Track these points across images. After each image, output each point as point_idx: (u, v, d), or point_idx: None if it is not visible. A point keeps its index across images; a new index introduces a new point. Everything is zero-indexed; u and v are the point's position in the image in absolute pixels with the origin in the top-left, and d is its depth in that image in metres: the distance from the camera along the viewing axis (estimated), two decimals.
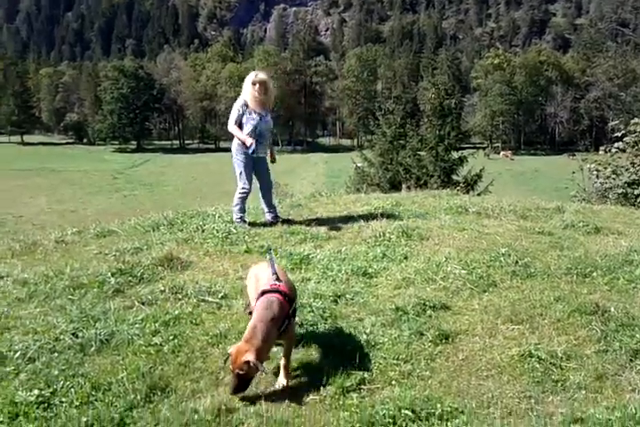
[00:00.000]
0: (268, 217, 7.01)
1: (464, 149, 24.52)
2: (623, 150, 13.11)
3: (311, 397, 3.21)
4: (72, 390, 3.20)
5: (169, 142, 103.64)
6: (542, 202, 8.71)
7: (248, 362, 3.05)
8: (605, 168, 13.42)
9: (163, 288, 4.71)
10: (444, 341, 3.90)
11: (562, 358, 3.64)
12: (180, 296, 4.58)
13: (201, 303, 4.47)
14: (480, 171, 20.83)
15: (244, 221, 6.88)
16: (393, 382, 3.37)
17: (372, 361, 3.61)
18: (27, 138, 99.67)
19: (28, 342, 3.76)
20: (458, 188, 11.19)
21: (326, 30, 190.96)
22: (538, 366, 3.55)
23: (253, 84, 6.62)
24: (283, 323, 3.32)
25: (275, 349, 3.63)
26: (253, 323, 3.25)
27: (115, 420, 2.93)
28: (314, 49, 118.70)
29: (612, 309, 4.25)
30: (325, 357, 3.69)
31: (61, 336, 3.86)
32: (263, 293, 3.45)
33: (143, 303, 4.46)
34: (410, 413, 2.93)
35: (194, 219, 7.27)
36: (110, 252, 5.78)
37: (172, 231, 6.71)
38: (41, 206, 41.43)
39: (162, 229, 6.78)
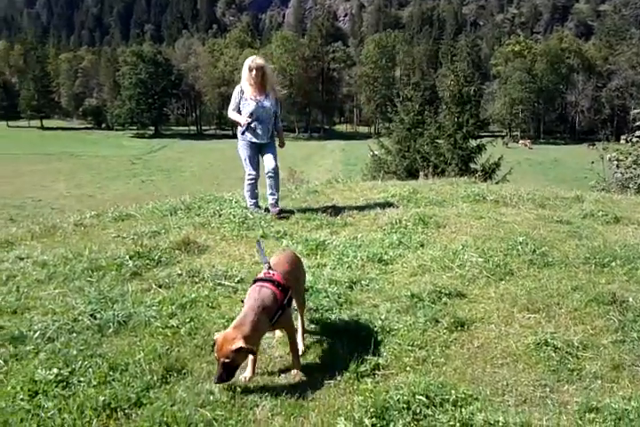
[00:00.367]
0: (271, 201, 6.82)
1: (482, 137, 24.24)
2: None
3: (326, 381, 3.22)
4: (90, 369, 3.25)
5: (186, 128, 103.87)
6: (561, 191, 8.61)
7: (239, 349, 2.95)
8: (626, 158, 13.24)
9: (180, 272, 4.75)
10: (459, 328, 3.89)
11: (578, 347, 3.61)
12: (197, 280, 4.61)
13: (217, 287, 4.50)
14: (498, 159, 20.64)
15: (258, 207, 6.89)
16: (407, 369, 3.37)
17: (387, 347, 3.62)
18: (46, 122, 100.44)
19: (48, 323, 3.82)
20: (476, 175, 11.09)
21: (345, 16, 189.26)
22: (554, 354, 3.53)
23: (250, 69, 6.56)
24: (276, 313, 3.22)
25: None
26: (244, 311, 3.16)
27: (131, 400, 2.97)
28: (332, 35, 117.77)
29: (631, 299, 4.21)
30: (340, 342, 3.69)
31: (80, 317, 3.91)
32: (255, 281, 3.38)
33: (160, 286, 4.51)
34: (424, 398, 2.93)
35: (211, 204, 7.31)
36: (128, 235, 5.84)
37: (189, 216, 6.75)
38: (60, 191, 41.88)
39: (179, 214, 6.83)
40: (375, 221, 6.52)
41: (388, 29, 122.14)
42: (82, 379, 3.16)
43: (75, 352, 3.44)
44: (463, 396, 3.01)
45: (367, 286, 4.65)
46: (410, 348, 3.61)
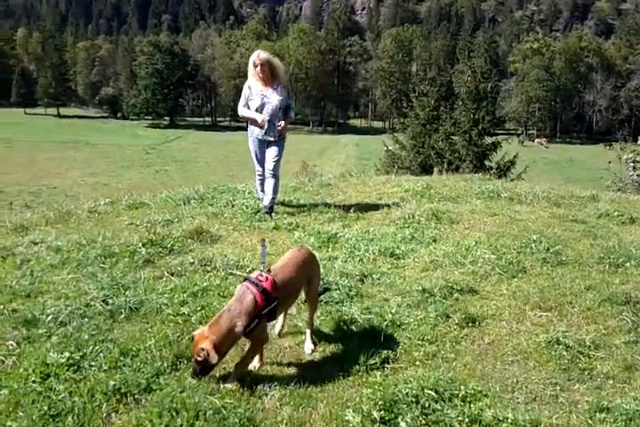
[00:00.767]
0: (265, 202, 6.49)
1: (498, 134, 24.08)
2: None
3: (335, 373, 3.22)
4: (101, 354, 3.27)
5: (201, 119, 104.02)
6: (577, 190, 8.54)
7: (203, 349, 2.93)
8: None
9: (192, 260, 4.77)
10: (470, 324, 3.88)
11: (590, 346, 3.59)
12: (209, 269, 4.63)
13: (229, 277, 4.51)
14: (514, 157, 20.49)
15: (268, 207, 6.56)
16: (417, 363, 3.37)
17: (397, 341, 3.61)
18: (62, 110, 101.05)
19: (60, 307, 3.85)
20: (490, 173, 11.01)
21: (362, 9, 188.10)
22: (565, 353, 3.51)
23: (255, 65, 6.30)
24: (252, 321, 3.05)
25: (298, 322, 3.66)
26: (222, 310, 3.08)
27: (142, 385, 2.98)
28: (349, 28, 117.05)
29: None
30: (350, 334, 3.70)
31: (92, 302, 3.94)
32: (245, 280, 3.27)
33: (172, 274, 4.53)
34: (433, 393, 2.92)
35: (224, 194, 7.33)
36: (142, 223, 5.87)
37: (202, 205, 6.78)
38: (74, 179, 42.15)
39: (192, 203, 6.86)
40: (388, 216, 6.50)
41: (406, 24, 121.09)
42: (93, 363, 3.18)
43: (86, 337, 3.47)
44: (472, 392, 3.00)
45: (378, 279, 4.64)
46: (420, 342, 3.60)
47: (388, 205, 6.88)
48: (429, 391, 2.93)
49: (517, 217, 6.59)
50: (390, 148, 23.99)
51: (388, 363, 3.35)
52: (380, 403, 2.86)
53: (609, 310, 4.12)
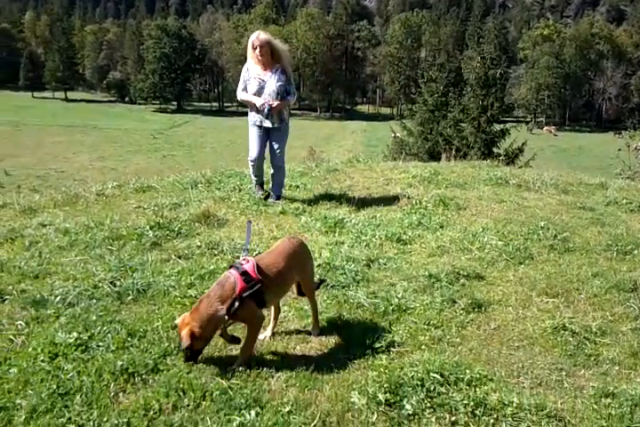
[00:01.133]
0: (272, 195, 6.39)
1: (507, 122, 23.91)
2: None
3: (340, 355, 3.24)
4: (109, 335, 3.29)
5: (208, 104, 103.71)
6: (585, 177, 8.49)
7: (182, 337, 2.93)
8: None
9: (199, 243, 4.78)
10: (476, 309, 3.88)
11: (596, 333, 3.59)
12: (216, 252, 4.64)
13: (236, 260, 4.52)
14: (522, 145, 20.37)
15: (261, 187, 6.49)
16: (423, 347, 3.37)
17: (403, 325, 3.62)
18: (70, 94, 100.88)
19: (68, 288, 3.88)
20: (499, 159, 10.95)
21: None
22: (571, 339, 3.51)
23: (254, 47, 5.93)
24: (232, 303, 3.01)
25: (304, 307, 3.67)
26: (203, 296, 3.08)
27: (149, 366, 3.01)
28: (357, 13, 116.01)
29: None
30: (355, 318, 3.71)
31: (100, 284, 3.97)
32: (229, 266, 3.24)
33: (180, 257, 4.55)
34: (439, 376, 2.93)
35: (231, 178, 7.33)
36: (149, 206, 5.88)
37: (209, 190, 6.78)
38: (82, 163, 42.28)
39: (200, 187, 6.86)
40: (395, 201, 6.49)
41: (415, 9, 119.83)
42: (101, 344, 3.21)
43: (94, 318, 3.49)
44: (478, 376, 3.01)
45: (385, 264, 4.64)
46: (426, 327, 3.61)
47: (396, 191, 6.86)
48: (435, 375, 2.94)
49: (525, 204, 6.57)
50: (398, 134, 23.89)
51: (394, 347, 3.36)
52: (385, 386, 2.87)
53: (616, 297, 4.12)
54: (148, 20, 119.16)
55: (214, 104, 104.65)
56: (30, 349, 3.15)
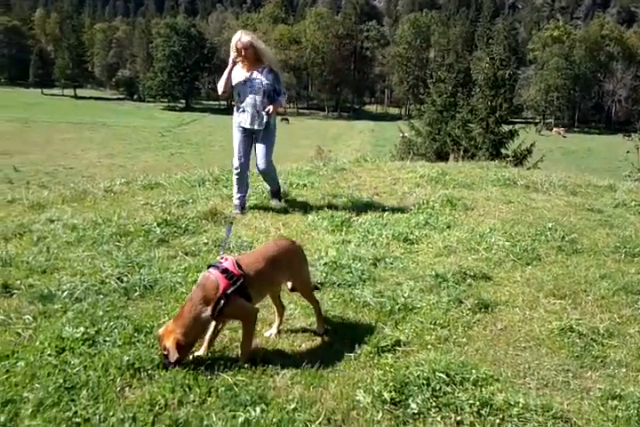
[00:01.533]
0: (272, 191, 6.13)
1: (515, 123, 23.81)
2: None
3: (346, 354, 3.23)
4: (116, 330, 3.31)
5: (216, 103, 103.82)
6: (594, 179, 8.45)
7: (165, 348, 2.89)
8: None
9: (206, 240, 4.80)
10: (482, 310, 3.87)
11: (603, 334, 3.57)
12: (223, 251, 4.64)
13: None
14: (530, 146, 20.27)
15: (242, 207, 5.84)
16: (429, 347, 3.36)
17: (409, 324, 3.61)
18: (79, 92, 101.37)
19: (76, 283, 3.90)
20: (507, 160, 10.92)
21: None
22: (578, 340, 3.50)
23: (237, 50, 5.69)
24: (217, 302, 2.97)
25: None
26: (186, 301, 3.03)
27: (155, 361, 3.01)
28: (367, 13, 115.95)
29: None
30: (362, 317, 3.71)
31: (107, 280, 3.98)
32: (208, 266, 3.19)
33: (187, 254, 4.56)
34: (444, 376, 2.92)
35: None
36: (157, 203, 5.90)
37: (216, 187, 6.79)
38: (91, 160, 42.44)
39: (207, 185, 6.88)
40: (402, 201, 6.48)
41: (425, 9, 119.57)
42: (107, 339, 3.22)
43: (101, 313, 3.50)
44: (484, 376, 3.00)
45: (391, 264, 4.63)
46: (432, 326, 3.60)
47: (403, 191, 6.86)
48: (440, 374, 2.94)
49: (533, 205, 6.54)
50: (406, 134, 23.85)
51: (400, 346, 3.35)
52: (390, 384, 2.87)
53: (624, 299, 4.10)
54: (157, 19, 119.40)
55: (222, 103, 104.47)
56: (37, 343, 3.17)
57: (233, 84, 5.82)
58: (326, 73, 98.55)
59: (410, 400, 2.79)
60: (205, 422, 2.59)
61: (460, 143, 19.75)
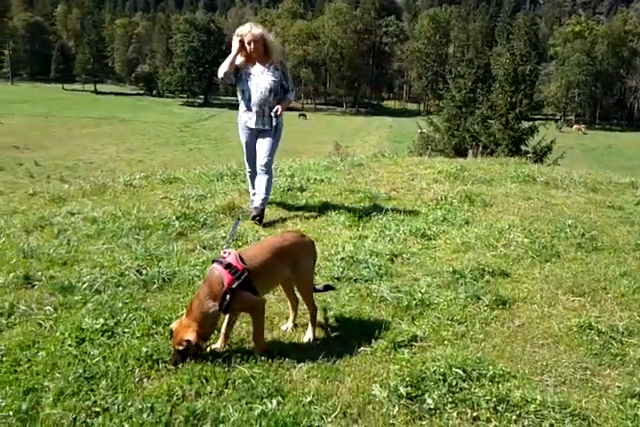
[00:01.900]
0: (254, 202, 5.49)
1: (535, 119, 23.56)
2: None
3: (362, 348, 3.23)
4: (134, 322, 3.35)
5: (235, 98, 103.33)
6: (615, 176, 8.35)
7: (189, 341, 2.90)
8: None
9: (224, 234, 4.83)
10: (500, 306, 3.85)
11: (623, 333, 3.53)
12: (240, 243, 4.67)
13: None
14: (551, 143, 20.05)
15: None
16: (445, 342, 3.36)
17: (426, 320, 3.60)
18: (99, 87, 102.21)
19: (95, 276, 3.95)
20: (527, 156, 10.81)
21: None
22: (597, 338, 3.46)
23: (248, 42, 5.29)
24: (224, 298, 2.99)
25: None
26: (194, 297, 3.06)
27: (173, 354, 3.04)
28: (386, 8, 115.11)
29: None
30: (378, 311, 3.71)
31: (126, 272, 4.03)
32: (212, 261, 3.19)
33: (205, 247, 4.60)
34: (461, 372, 2.92)
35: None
36: (175, 197, 5.95)
37: (235, 182, 6.83)
38: (110, 154, 42.80)
39: (225, 180, 6.92)
40: (420, 197, 6.46)
41: (444, 4, 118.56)
42: (126, 330, 3.27)
43: (120, 305, 3.55)
44: (501, 372, 2.98)
45: (408, 259, 4.63)
46: (449, 322, 3.59)
47: (421, 186, 6.83)
48: (457, 370, 2.93)
49: (553, 202, 6.48)
50: (424, 130, 23.72)
51: (416, 341, 3.35)
52: (407, 379, 2.87)
53: None
54: (176, 14, 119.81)
55: None
56: (58, 333, 3.22)
57: (236, 81, 5.50)
58: (344, 68, 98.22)
59: (426, 395, 2.78)
60: (222, 414, 2.61)
61: (479, 139, 19.60)
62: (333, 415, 2.64)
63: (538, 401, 2.75)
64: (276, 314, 3.60)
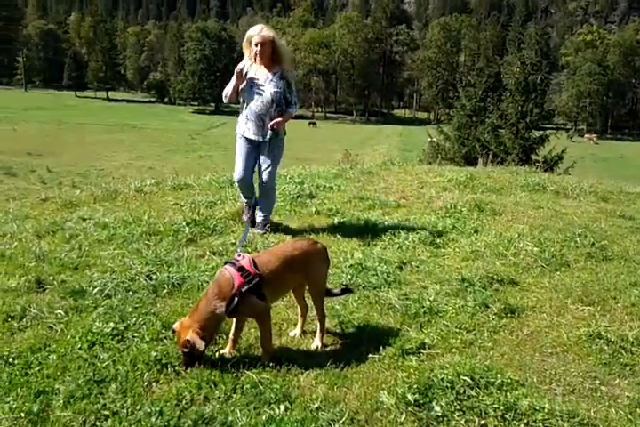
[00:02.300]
0: (258, 219, 5.37)
1: (546, 129, 23.52)
2: None
3: (370, 355, 3.24)
4: (144, 326, 3.38)
5: None
6: (626, 186, 8.31)
7: (188, 341, 2.90)
8: None
9: (233, 241, 4.86)
10: (509, 315, 3.84)
11: (633, 342, 3.50)
12: (250, 250, 4.69)
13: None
14: (561, 152, 19.99)
15: (247, 210, 5.33)
16: (454, 350, 3.35)
17: (434, 328, 3.60)
18: (111, 94, 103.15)
19: (106, 280, 3.99)
20: (537, 165, 10.79)
21: None
22: (606, 347, 3.44)
23: (256, 44, 4.96)
24: (231, 299, 2.99)
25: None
26: (202, 296, 3.07)
27: (181, 357, 3.06)
28: (397, 17, 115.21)
29: None
30: (387, 319, 3.71)
31: (136, 277, 4.06)
32: (225, 262, 3.20)
33: (214, 253, 4.62)
34: (469, 380, 2.91)
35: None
36: (186, 203, 6.00)
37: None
38: (121, 161, 43.06)
39: (235, 186, 6.92)
40: (429, 205, 6.47)
41: (455, 13, 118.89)
42: (136, 334, 3.29)
43: (130, 309, 3.58)
44: (509, 381, 2.98)
45: (417, 267, 4.63)
46: (457, 330, 3.59)
47: (430, 194, 6.84)
48: (465, 378, 2.92)
49: (563, 211, 6.46)
50: (434, 139, 23.73)
51: (425, 349, 3.35)
52: (414, 387, 2.87)
53: None
54: (188, 22, 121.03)
55: None
56: (69, 337, 3.26)
57: (240, 86, 5.14)
58: (355, 77, 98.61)
59: (433, 403, 2.78)
60: (230, 418, 2.62)
61: (489, 148, 19.58)
62: (341, 422, 2.65)
63: (546, 410, 2.74)
64: (285, 320, 3.61)
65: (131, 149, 48.94)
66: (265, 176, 5.24)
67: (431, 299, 3.97)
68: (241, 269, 3.07)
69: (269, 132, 5.08)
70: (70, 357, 3.06)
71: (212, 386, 2.84)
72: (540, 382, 3.08)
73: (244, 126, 5.22)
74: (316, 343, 3.37)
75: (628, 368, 3.26)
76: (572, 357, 3.37)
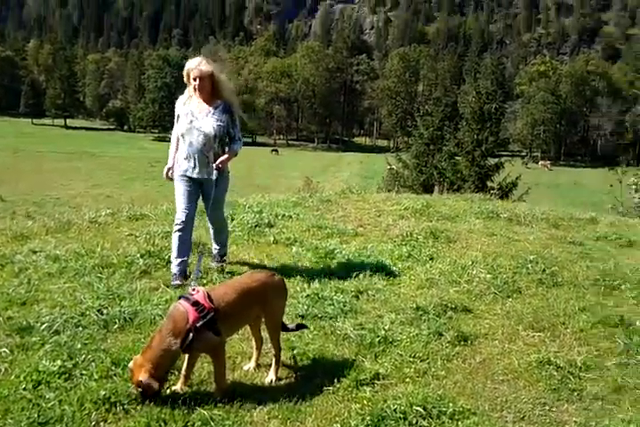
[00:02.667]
0: (214, 251, 5.24)
1: (502, 156, 24.19)
2: None
3: (324, 387, 3.23)
4: (93, 363, 3.29)
5: None
6: (576, 212, 8.57)
7: (141, 382, 2.85)
8: None
9: (189, 273, 4.79)
10: (462, 342, 3.89)
11: (581, 367, 3.59)
12: (205, 281, 4.65)
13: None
14: (516, 179, 20.52)
15: (184, 275, 4.74)
16: (407, 380, 3.37)
17: (388, 357, 3.62)
18: (70, 122, 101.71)
19: (55, 316, 3.88)
20: (492, 193, 11.05)
21: (371, 29, 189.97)
22: (555, 373, 3.51)
23: (194, 78, 4.69)
24: (186, 336, 2.94)
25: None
26: (155, 333, 3.01)
27: (131, 395, 2.99)
28: (357, 47, 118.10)
29: (638, 322, 4.21)
30: (341, 350, 3.71)
31: (87, 312, 3.97)
32: (179, 297, 3.14)
33: (168, 286, 4.56)
34: (421, 410, 2.93)
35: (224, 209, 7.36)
36: (141, 234, 5.91)
37: (202, 219, 6.75)
38: (78, 190, 42.23)
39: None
40: (386, 233, 6.54)
41: (414, 44, 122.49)
42: (84, 372, 3.21)
43: (79, 346, 3.49)
44: (461, 409, 3.01)
45: (373, 296, 4.66)
46: (411, 359, 3.61)
47: (387, 223, 6.92)
48: (418, 408, 2.94)
49: (515, 237, 6.61)
50: (393, 166, 24.11)
51: (379, 379, 3.36)
52: (367, 418, 2.87)
53: (602, 332, 4.14)
54: (150, 50, 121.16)
55: None
56: (13, 376, 3.15)
57: (177, 121, 4.91)
58: (316, 105, 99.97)
59: None
60: None
61: (446, 175, 19.99)
62: None
63: None
64: (239, 353, 3.58)
65: (88, 178, 48.06)
66: (215, 214, 5.05)
67: (386, 328, 4.00)
68: (195, 303, 3.02)
69: (214, 171, 4.75)
70: (14, 398, 2.95)
71: (162, 424, 2.78)
72: (492, 409, 3.12)
73: (187, 165, 4.83)
74: (270, 377, 3.34)
75: (575, 393, 3.33)
76: (523, 383, 3.43)
